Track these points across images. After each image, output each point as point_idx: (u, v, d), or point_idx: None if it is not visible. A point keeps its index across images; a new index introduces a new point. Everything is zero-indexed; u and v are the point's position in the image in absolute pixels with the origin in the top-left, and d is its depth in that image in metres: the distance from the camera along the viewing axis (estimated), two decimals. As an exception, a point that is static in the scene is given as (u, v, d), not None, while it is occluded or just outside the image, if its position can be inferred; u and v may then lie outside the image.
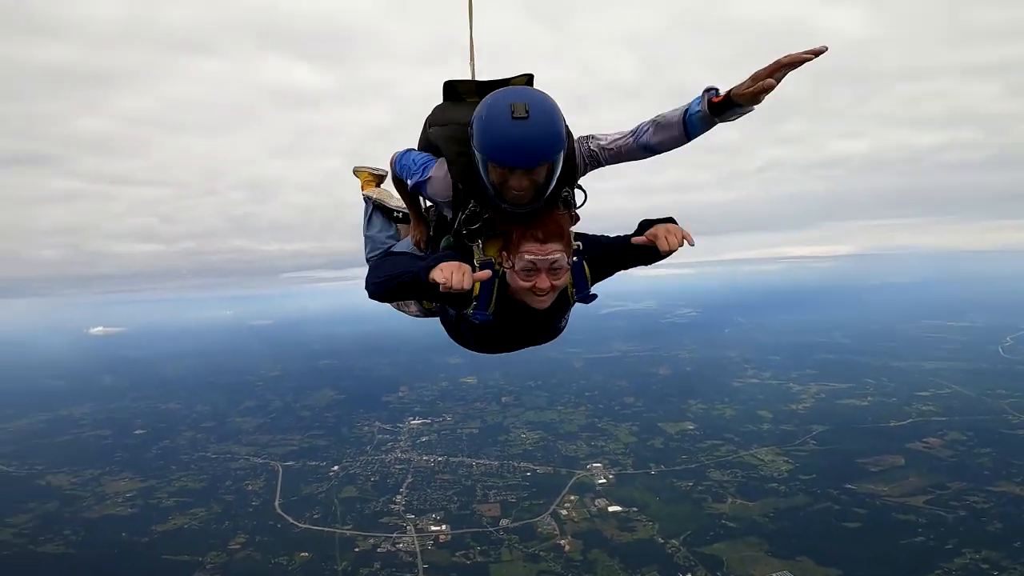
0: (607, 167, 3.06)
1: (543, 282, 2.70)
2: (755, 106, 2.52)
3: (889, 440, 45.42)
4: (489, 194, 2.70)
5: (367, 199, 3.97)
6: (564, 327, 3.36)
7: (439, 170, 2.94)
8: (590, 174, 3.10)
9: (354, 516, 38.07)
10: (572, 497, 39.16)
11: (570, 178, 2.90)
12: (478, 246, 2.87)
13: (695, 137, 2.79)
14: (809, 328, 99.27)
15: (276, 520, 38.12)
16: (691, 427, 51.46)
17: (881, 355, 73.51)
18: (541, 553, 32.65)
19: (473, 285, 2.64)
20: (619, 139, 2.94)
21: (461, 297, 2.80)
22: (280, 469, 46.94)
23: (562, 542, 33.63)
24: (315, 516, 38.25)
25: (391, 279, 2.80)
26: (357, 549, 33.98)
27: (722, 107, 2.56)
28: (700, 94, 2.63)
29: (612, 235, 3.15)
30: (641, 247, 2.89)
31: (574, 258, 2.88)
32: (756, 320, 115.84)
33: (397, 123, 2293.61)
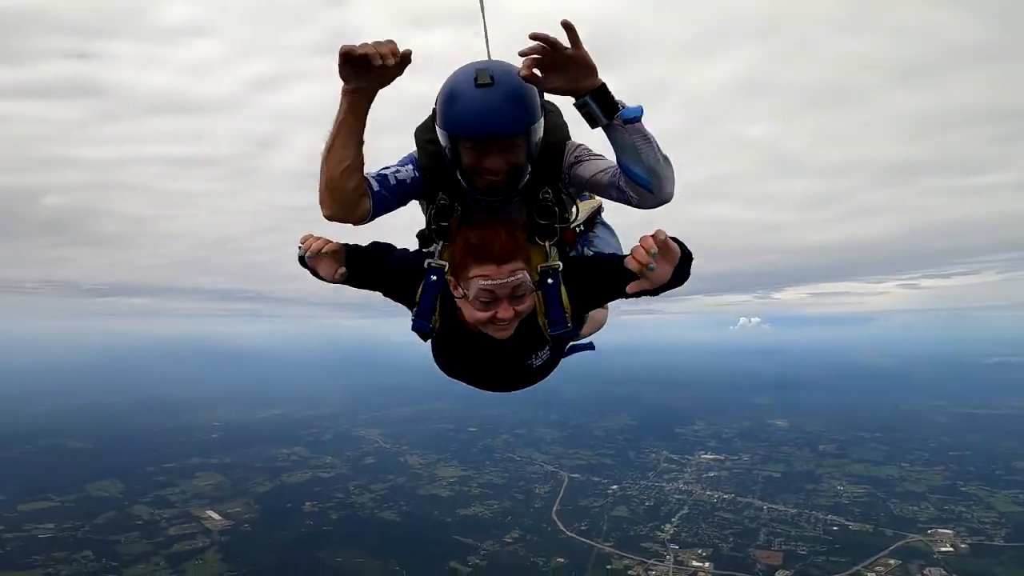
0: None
1: (505, 311, 2.21)
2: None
3: None
4: (462, 185, 2.38)
5: None
6: (544, 368, 2.70)
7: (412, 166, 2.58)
8: None
9: (618, 535, 37.13)
10: (891, 561, 30.93)
11: (552, 175, 2.45)
12: (437, 248, 2.48)
13: (623, 160, 2.16)
14: None
15: (549, 524, 39.91)
16: None
17: None
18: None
19: (418, 291, 2.44)
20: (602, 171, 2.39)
21: (405, 296, 2.53)
22: (566, 479, 49.22)
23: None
24: (582, 527, 38.64)
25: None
26: (609, 567, 33.01)
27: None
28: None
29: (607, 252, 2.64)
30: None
31: (549, 280, 2.39)
32: None
33: (686, 126, 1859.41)
